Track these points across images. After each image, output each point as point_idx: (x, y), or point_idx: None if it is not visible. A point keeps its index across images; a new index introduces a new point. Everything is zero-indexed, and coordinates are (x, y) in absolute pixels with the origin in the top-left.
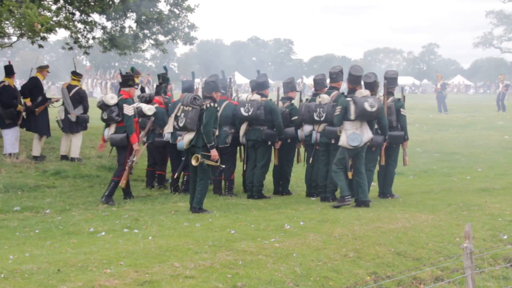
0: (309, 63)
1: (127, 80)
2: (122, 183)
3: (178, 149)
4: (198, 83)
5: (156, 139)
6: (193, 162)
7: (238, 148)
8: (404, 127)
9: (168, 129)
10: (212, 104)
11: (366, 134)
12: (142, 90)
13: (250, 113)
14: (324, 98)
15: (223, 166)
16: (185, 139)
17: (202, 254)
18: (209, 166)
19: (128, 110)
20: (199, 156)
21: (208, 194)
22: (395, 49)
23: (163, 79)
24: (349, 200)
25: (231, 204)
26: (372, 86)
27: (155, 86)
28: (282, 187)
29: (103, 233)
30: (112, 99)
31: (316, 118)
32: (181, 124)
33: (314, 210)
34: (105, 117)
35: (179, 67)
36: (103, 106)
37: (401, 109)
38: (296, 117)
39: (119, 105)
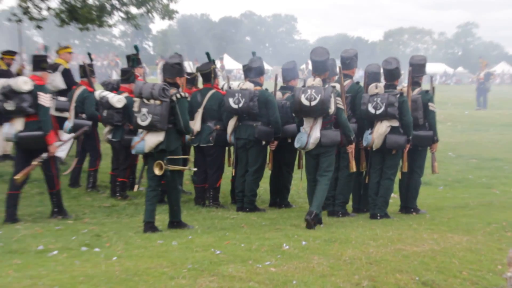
0: (316, 45)
1: (40, 62)
2: (19, 176)
3: (134, 154)
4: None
5: (125, 136)
6: (157, 171)
7: (226, 148)
8: (433, 126)
9: None
10: (182, 94)
11: (314, 134)
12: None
13: (240, 105)
14: (336, 87)
15: (195, 169)
16: (148, 141)
17: (179, 280)
18: (177, 171)
19: (45, 100)
20: (163, 162)
21: (188, 205)
22: (424, 29)
23: (133, 62)
24: (311, 217)
25: (216, 217)
26: (393, 75)
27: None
28: (280, 197)
29: (56, 252)
30: (25, 83)
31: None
32: (144, 123)
33: (319, 227)
34: (11, 107)
35: (155, 48)
36: (9, 92)
37: (430, 104)
38: None
39: (33, 93)
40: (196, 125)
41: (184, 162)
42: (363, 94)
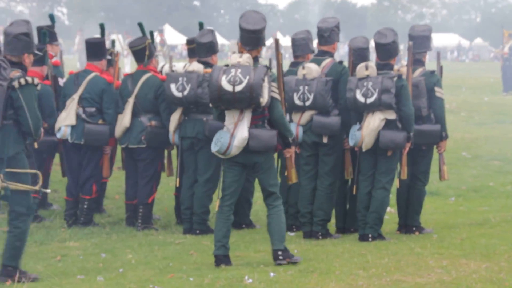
0: (287, 12)
1: None
2: None
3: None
4: (109, 42)
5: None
6: None
7: (166, 152)
8: (441, 118)
9: (66, 120)
10: (28, 80)
11: (240, 134)
12: None
13: (185, 92)
14: (311, 69)
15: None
16: None
17: None
18: (24, 193)
19: None
20: (2, 177)
21: (118, 227)
22: None
23: (45, 36)
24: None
25: (156, 243)
26: (389, 51)
27: None
28: (240, 215)
29: None
30: None
31: (297, 102)
32: None
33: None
34: None
35: (70, 16)
36: None
37: (437, 88)
38: None
39: None
40: (125, 119)
41: (33, 178)
42: (348, 77)
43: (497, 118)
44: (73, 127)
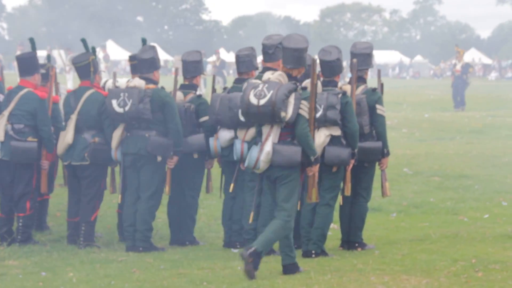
0: (231, 28)
1: None
2: None
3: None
4: (48, 57)
5: None
6: None
7: (110, 168)
8: (383, 135)
9: None
10: None
11: (265, 148)
12: None
13: (127, 108)
14: None
15: None
16: None
17: None
18: None
19: None
20: None
21: (60, 244)
22: (371, 5)
23: None
24: (247, 253)
25: (98, 261)
26: (333, 68)
27: None
28: (183, 232)
29: None
30: None
31: (242, 118)
32: None
33: (236, 270)
34: None
35: (11, 30)
36: None
37: (378, 106)
38: (206, 118)
39: None
40: (67, 136)
41: None
42: None
43: (437, 135)
44: (2, 143)
